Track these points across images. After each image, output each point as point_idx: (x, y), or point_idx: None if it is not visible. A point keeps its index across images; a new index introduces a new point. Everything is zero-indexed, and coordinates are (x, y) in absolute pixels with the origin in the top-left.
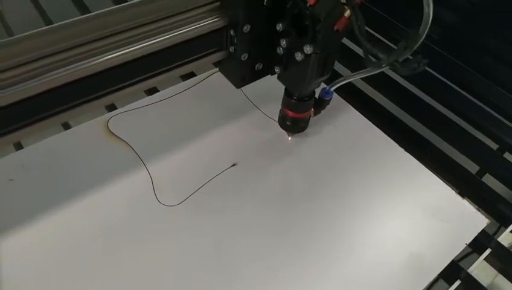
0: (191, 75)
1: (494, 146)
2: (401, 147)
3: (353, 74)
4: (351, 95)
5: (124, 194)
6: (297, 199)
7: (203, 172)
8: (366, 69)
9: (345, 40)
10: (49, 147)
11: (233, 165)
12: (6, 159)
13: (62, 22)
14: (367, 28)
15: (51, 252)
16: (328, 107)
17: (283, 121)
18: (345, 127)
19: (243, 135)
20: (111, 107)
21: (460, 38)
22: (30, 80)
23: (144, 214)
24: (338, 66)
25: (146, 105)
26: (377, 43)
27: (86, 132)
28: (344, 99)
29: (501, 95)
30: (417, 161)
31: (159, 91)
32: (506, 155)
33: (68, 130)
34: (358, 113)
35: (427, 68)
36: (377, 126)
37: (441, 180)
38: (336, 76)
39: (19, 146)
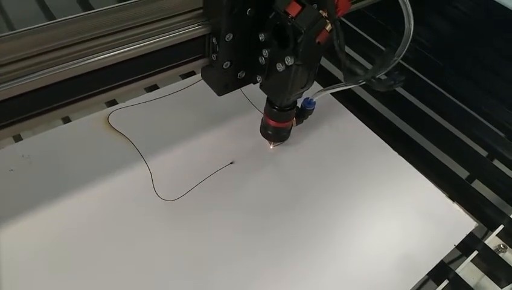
0: (192, 73)
1: (483, 153)
2: (395, 151)
3: (334, 85)
4: (347, 98)
5: (123, 187)
6: (290, 198)
7: (201, 169)
8: (345, 83)
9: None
10: (50, 139)
11: (231, 163)
12: (7, 149)
13: (54, 21)
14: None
15: (49, 243)
16: (325, 108)
17: (265, 130)
18: (340, 129)
19: (241, 133)
20: (112, 102)
21: (454, 47)
22: (29, 75)
23: (143, 207)
24: (336, 70)
25: (147, 101)
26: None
27: (87, 126)
28: (340, 102)
29: (492, 104)
30: (410, 165)
31: (159, 88)
32: (495, 162)
33: (69, 123)
34: (354, 116)
35: (421, 76)
36: (372, 130)
37: (432, 184)
38: (333, 79)
39: (18, 138)
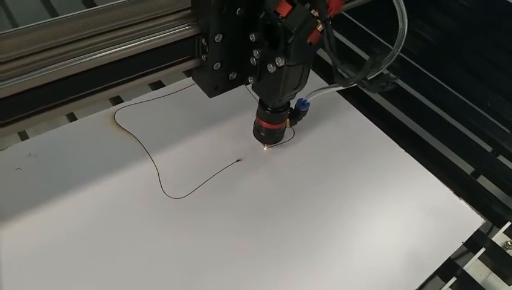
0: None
1: (488, 149)
2: (401, 147)
3: (328, 86)
4: (352, 95)
5: (130, 185)
6: (294, 194)
7: (208, 166)
8: (337, 84)
9: (348, 43)
10: (57, 137)
11: (238, 160)
12: (14, 148)
13: (58, 17)
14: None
15: (55, 241)
16: (329, 104)
17: (257, 132)
18: (345, 125)
19: (248, 130)
20: (117, 100)
21: (458, 42)
22: (32, 71)
23: (150, 205)
24: None
25: (153, 99)
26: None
27: (93, 124)
28: (345, 98)
29: (497, 100)
30: (416, 161)
31: (165, 86)
32: (500, 158)
33: (75, 121)
34: (359, 112)
35: (427, 73)
36: (377, 126)
37: (438, 180)
38: None
39: (25, 137)
